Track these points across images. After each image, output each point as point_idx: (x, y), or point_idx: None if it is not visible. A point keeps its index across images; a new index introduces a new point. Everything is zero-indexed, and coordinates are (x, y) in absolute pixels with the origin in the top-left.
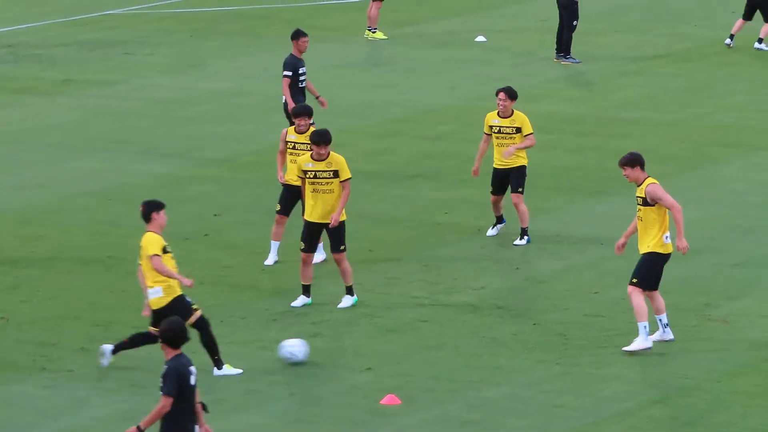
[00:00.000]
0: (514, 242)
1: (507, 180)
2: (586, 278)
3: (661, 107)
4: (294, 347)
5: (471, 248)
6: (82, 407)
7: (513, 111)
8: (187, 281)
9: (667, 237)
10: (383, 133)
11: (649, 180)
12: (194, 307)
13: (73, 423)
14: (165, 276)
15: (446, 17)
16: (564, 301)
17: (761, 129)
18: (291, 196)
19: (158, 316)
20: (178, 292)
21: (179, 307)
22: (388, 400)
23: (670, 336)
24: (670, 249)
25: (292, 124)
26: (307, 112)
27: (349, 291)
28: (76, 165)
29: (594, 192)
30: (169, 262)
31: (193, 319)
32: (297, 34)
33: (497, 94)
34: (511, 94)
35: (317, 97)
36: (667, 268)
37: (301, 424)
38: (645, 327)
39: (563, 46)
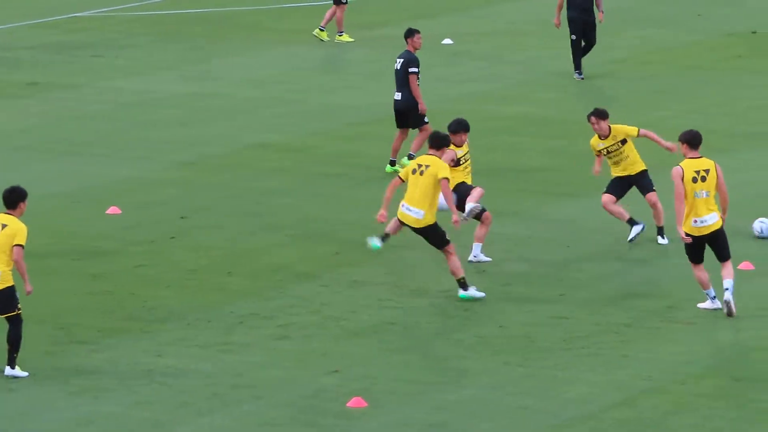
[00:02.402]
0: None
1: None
2: (552, 280)
3: (630, 109)
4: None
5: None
6: (46, 411)
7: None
8: (29, 288)
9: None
10: (349, 137)
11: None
12: (19, 306)
13: (37, 426)
14: (19, 270)
15: (411, 19)
16: (527, 303)
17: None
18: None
19: None
20: (12, 282)
21: (9, 296)
22: (354, 402)
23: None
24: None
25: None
26: (467, 128)
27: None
28: (42, 168)
29: (564, 194)
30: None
31: (11, 313)
32: (411, 32)
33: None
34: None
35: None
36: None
37: (266, 428)
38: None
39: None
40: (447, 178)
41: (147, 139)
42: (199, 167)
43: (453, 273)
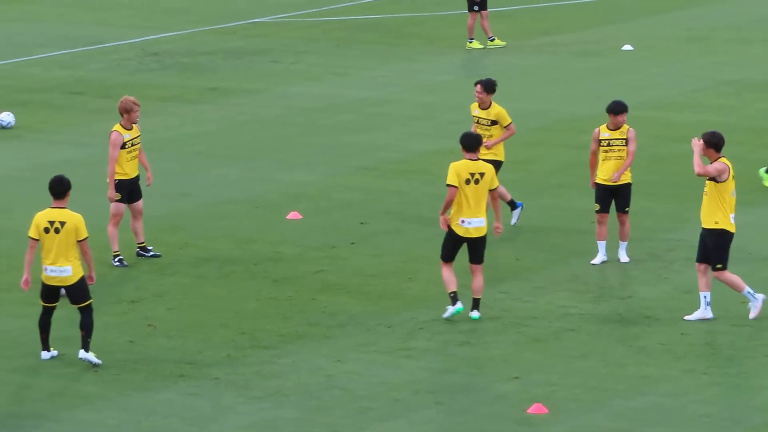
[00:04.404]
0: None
1: None
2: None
3: None
4: None
5: (617, 257)
6: (228, 415)
7: (491, 103)
8: (93, 277)
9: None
10: (529, 143)
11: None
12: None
13: (220, 431)
14: (86, 260)
15: (592, 26)
16: (712, 310)
17: None
18: (606, 194)
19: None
20: (82, 274)
21: (81, 288)
22: (534, 409)
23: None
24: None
25: None
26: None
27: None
28: (221, 173)
29: (740, 202)
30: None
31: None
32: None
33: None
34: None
35: None
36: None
37: None
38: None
39: None
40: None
41: (325, 144)
42: (377, 173)
43: (475, 291)
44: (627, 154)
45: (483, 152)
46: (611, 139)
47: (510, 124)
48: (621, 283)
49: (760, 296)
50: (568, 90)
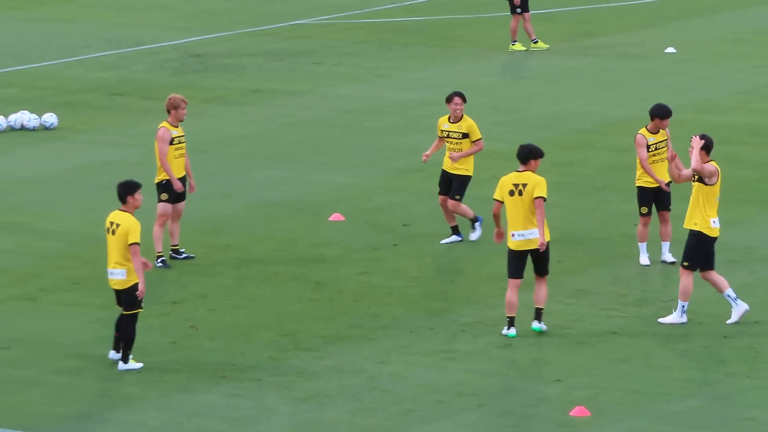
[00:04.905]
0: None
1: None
2: None
3: None
4: None
5: (659, 260)
6: (271, 416)
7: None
8: (144, 288)
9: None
10: (572, 145)
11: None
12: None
13: None
14: (134, 267)
15: (635, 29)
16: (754, 314)
17: None
18: (650, 197)
19: (118, 296)
20: (136, 280)
21: (133, 294)
22: (577, 411)
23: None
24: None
25: None
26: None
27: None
28: (263, 175)
29: None
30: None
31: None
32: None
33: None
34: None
35: None
36: None
37: None
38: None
39: None
40: (543, 198)
41: (368, 146)
42: (420, 175)
43: (536, 300)
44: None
45: (451, 166)
46: (657, 143)
47: (479, 139)
48: (662, 286)
49: (743, 305)
50: (612, 92)
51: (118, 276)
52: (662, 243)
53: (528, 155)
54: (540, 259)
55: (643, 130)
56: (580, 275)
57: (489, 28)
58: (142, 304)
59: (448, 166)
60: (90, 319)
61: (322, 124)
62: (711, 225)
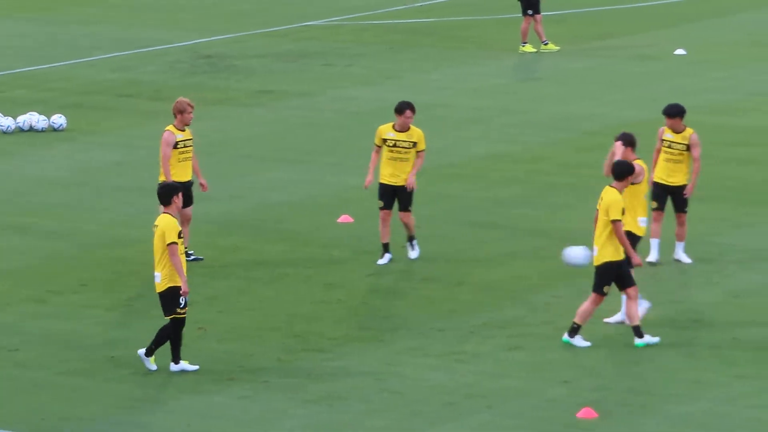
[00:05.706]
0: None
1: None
2: None
3: None
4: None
5: (668, 262)
6: (280, 418)
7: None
8: (186, 288)
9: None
10: (583, 147)
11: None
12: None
13: None
14: (173, 267)
15: (646, 30)
16: (764, 315)
17: None
18: (663, 193)
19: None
20: (175, 283)
21: (171, 297)
22: (584, 413)
23: None
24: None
25: None
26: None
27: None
28: (271, 176)
29: None
30: (180, 248)
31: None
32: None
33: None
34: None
35: None
36: None
37: None
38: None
39: None
40: (619, 220)
41: None
42: (431, 177)
43: (630, 318)
44: (693, 160)
45: (399, 178)
46: (673, 142)
47: (423, 151)
48: (672, 288)
49: (645, 302)
50: (622, 94)
51: (156, 279)
52: (677, 243)
53: (619, 170)
54: (595, 276)
55: (666, 126)
56: (589, 277)
57: (499, 30)
58: (180, 310)
59: (392, 178)
60: (99, 321)
61: (332, 125)
62: (639, 224)
